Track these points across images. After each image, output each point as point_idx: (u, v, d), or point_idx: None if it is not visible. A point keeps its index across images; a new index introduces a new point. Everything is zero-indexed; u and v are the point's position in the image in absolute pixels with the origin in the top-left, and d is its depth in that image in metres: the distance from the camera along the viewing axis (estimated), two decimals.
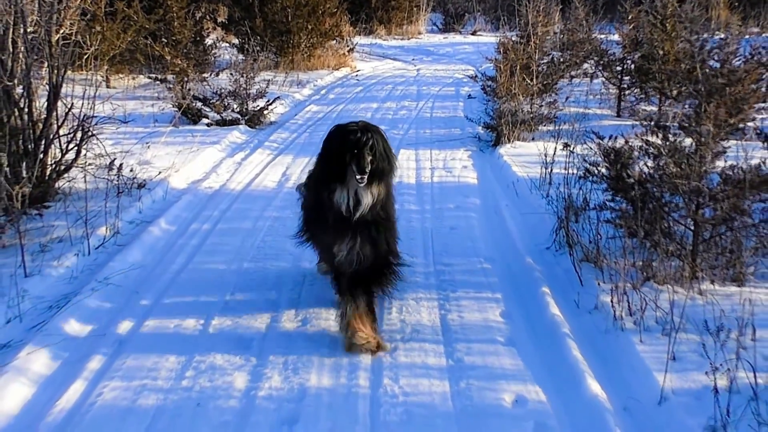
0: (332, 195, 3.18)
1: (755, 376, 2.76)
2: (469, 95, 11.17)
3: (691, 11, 7.39)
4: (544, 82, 8.46)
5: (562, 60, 9.41)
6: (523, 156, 6.84)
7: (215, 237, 4.87)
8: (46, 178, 5.13)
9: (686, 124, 3.92)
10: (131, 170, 5.70)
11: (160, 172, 6.06)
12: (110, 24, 9.87)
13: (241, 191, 6.02)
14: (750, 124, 4.41)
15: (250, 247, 4.65)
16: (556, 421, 2.77)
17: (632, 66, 8.79)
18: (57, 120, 5.19)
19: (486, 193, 5.94)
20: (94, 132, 5.45)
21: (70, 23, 5.60)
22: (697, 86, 3.95)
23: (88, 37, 6.45)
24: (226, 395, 2.94)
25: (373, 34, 20.73)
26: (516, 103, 7.77)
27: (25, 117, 5.01)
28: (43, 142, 5.08)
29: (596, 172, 4.30)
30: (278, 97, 9.72)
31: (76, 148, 5.28)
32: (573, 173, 4.77)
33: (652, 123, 4.08)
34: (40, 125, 5.08)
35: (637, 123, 4.42)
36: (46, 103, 5.17)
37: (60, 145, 5.24)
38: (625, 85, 8.98)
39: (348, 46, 15.11)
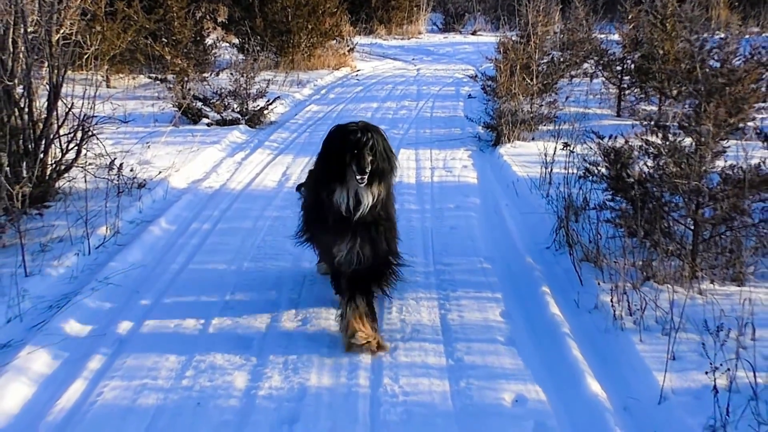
0: (332, 195, 3.18)
1: (755, 376, 2.76)
2: (469, 95, 11.17)
3: (691, 11, 7.36)
4: (544, 82, 8.46)
5: (562, 60, 9.41)
6: (523, 156, 6.84)
7: (215, 237, 4.87)
8: (47, 177, 5.13)
9: (686, 124, 3.92)
10: (131, 170, 5.70)
11: (160, 172, 6.06)
12: (110, 24, 9.87)
13: (242, 191, 6.02)
14: (750, 123, 4.42)
15: (251, 246, 4.66)
16: (555, 421, 2.77)
17: (632, 66, 8.80)
18: (57, 120, 5.20)
19: (486, 193, 5.94)
20: (95, 132, 5.45)
21: (71, 23, 5.60)
22: (697, 86, 3.95)
23: (88, 37, 6.44)
24: (226, 395, 2.94)
25: (373, 34, 20.73)
26: (516, 102, 7.77)
27: (26, 117, 5.02)
28: (43, 141, 5.09)
29: (596, 171, 4.30)
30: (278, 97, 9.72)
31: (76, 147, 5.29)
32: (573, 173, 4.77)
33: (652, 123, 4.07)
34: (41, 125, 5.09)
35: (637, 123, 4.41)
36: (46, 103, 5.17)
37: (60, 144, 5.25)
38: (625, 85, 8.98)
39: (348, 45, 15.12)
